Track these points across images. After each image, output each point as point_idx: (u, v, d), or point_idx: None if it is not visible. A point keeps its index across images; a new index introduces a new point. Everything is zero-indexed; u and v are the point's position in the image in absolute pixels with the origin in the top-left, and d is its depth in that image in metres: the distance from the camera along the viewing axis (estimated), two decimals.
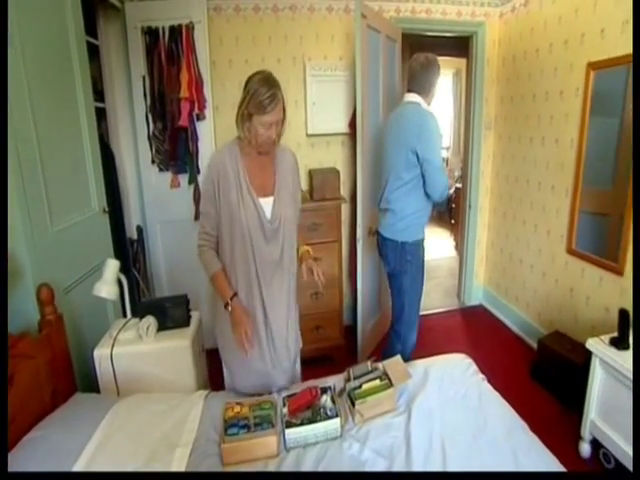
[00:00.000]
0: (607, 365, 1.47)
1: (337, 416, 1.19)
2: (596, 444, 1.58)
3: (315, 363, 1.89)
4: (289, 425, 1.16)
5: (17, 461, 1.02)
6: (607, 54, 1.78)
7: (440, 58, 1.86)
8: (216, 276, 1.29)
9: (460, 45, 2.84)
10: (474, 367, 1.47)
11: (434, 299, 3.13)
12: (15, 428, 1.10)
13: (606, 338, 1.51)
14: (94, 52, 2.08)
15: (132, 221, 2.39)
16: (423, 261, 1.79)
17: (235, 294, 1.28)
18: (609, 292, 1.86)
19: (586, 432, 1.59)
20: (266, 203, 1.26)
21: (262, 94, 1.12)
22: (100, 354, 1.45)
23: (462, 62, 3.56)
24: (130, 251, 2.32)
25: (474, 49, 2.60)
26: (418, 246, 1.75)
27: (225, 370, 1.46)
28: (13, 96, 1.23)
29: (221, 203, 1.24)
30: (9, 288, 1.26)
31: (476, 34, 2.56)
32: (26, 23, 1.30)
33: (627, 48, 1.65)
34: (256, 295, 1.29)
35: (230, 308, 1.26)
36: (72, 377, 1.41)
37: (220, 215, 1.26)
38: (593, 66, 1.85)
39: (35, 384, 1.23)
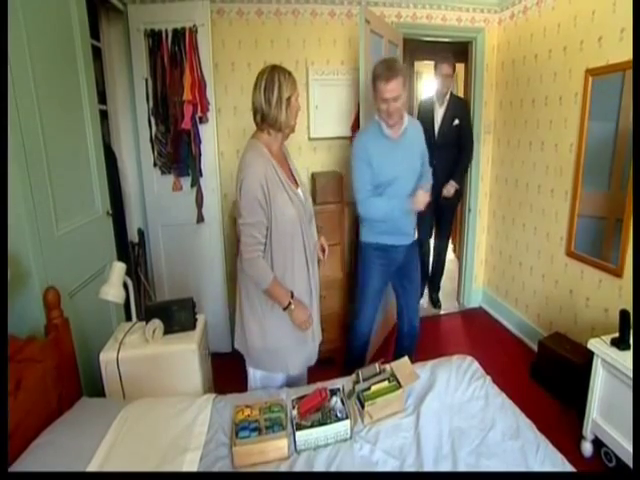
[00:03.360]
0: (609, 365, 1.50)
1: (347, 418, 1.19)
2: (598, 443, 1.60)
3: (321, 363, 1.89)
4: (299, 427, 1.16)
5: (27, 467, 1.01)
6: (605, 61, 1.82)
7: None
8: (274, 283, 1.30)
9: (458, 50, 2.89)
10: (479, 368, 1.49)
11: None
12: (22, 433, 1.09)
13: (607, 339, 1.54)
14: (96, 54, 2.07)
15: (133, 224, 2.38)
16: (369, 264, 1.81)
17: (292, 293, 1.35)
18: (608, 293, 1.90)
19: (588, 431, 1.61)
20: (300, 193, 1.39)
21: (289, 74, 1.28)
22: (106, 358, 1.44)
23: (459, 67, 3.60)
24: (132, 254, 2.31)
25: (473, 54, 2.65)
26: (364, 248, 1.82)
27: (251, 371, 1.49)
28: (21, 99, 1.22)
29: (272, 206, 1.26)
30: (15, 292, 1.26)
31: (475, 39, 2.61)
32: (33, 27, 1.29)
33: (624, 55, 1.70)
34: (304, 274, 1.39)
35: (293, 306, 1.33)
36: (78, 381, 1.40)
37: (271, 218, 1.27)
38: (591, 72, 1.90)
39: (42, 389, 1.22)
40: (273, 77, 1.25)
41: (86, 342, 1.53)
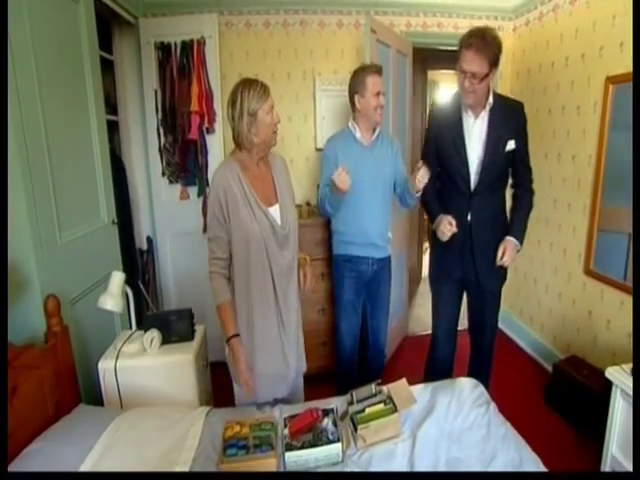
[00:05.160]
0: (629, 396, 1.38)
1: (339, 441, 1.14)
2: None
3: (321, 380, 1.85)
4: (289, 448, 1.13)
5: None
6: (627, 68, 1.72)
7: (452, 72, 1.85)
8: (223, 307, 1.30)
9: None
10: (484, 393, 1.40)
11: None
12: (18, 439, 1.10)
13: (628, 367, 1.42)
14: (109, 67, 2.14)
15: (142, 232, 2.43)
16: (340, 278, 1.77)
17: (237, 335, 1.30)
18: (632, 317, 1.76)
19: (606, 467, 1.49)
20: (274, 211, 1.30)
21: (255, 86, 1.20)
22: (104, 366, 1.45)
23: None
24: (140, 262, 2.35)
25: None
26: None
27: (235, 385, 1.44)
28: (26, 107, 1.25)
29: (231, 222, 1.25)
30: (16, 299, 1.28)
31: None
32: (40, 38, 1.33)
33: None
34: (271, 301, 1.30)
35: (229, 347, 1.31)
36: (76, 388, 1.41)
37: (231, 234, 1.26)
38: (612, 80, 1.80)
39: (39, 395, 1.23)
40: (235, 92, 1.22)
41: (87, 350, 1.55)
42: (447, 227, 1.46)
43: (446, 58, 3.10)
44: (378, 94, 1.57)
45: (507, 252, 1.46)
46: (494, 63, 1.35)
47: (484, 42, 1.32)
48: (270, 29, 2.27)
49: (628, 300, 1.78)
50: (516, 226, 1.53)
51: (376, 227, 1.70)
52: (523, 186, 1.57)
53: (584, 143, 2.00)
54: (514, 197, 1.61)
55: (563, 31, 2.11)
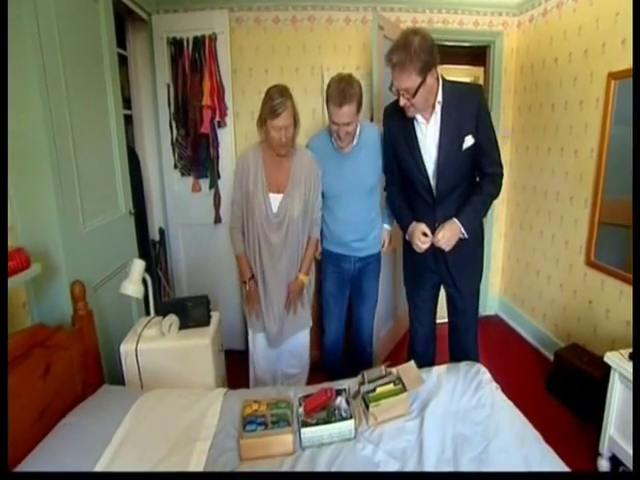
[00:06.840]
0: (626, 380, 1.45)
1: (351, 418, 1.21)
2: (615, 461, 1.54)
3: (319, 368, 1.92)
4: (305, 424, 1.20)
5: (53, 444, 1.09)
6: (629, 64, 1.77)
7: (457, 67, 1.89)
8: (240, 257, 1.62)
9: (477, 54, 2.86)
10: (488, 375, 1.47)
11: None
12: (52, 413, 1.18)
13: (626, 352, 1.49)
14: (122, 61, 2.19)
15: (155, 223, 2.49)
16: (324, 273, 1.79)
17: (252, 276, 1.60)
18: (630, 306, 1.83)
19: (604, 448, 1.56)
20: (275, 199, 1.48)
21: (274, 100, 1.36)
22: (126, 349, 1.52)
23: (479, 71, 3.56)
24: (152, 252, 2.42)
25: (492, 58, 2.61)
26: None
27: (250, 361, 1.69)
28: (54, 103, 1.32)
29: (242, 192, 1.52)
30: (46, 284, 1.36)
31: (494, 43, 2.57)
32: (65, 36, 1.39)
33: None
34: (257, 273, 1.58)
35: (247, 287, 1.62)
36: (101, 369, 1.48)
37: (243, 203, 1.54)
38: (614, 76, 1.85)
39: (69, 374, 1.31)
40: (266, 93, 1.41)
41: (108, 333, 1.63)
42: (422, 239, 1.39)
43: (451, 54, 3.13)
44: (337, 123, 1.44)
45: (442, 231, 1.36)
46: (426, 70, 1.23)
47: (407, 55, 1.20)
48: (279, 25, 2.31)
49: (627, 290, 1.84)
50: (465, 210, 1.39)
51: (354, 234, 1.66)
52: (485, 172, 1.42)
53: (586, 137, 2.05)
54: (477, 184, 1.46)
55: (567, 27, 2.15)
